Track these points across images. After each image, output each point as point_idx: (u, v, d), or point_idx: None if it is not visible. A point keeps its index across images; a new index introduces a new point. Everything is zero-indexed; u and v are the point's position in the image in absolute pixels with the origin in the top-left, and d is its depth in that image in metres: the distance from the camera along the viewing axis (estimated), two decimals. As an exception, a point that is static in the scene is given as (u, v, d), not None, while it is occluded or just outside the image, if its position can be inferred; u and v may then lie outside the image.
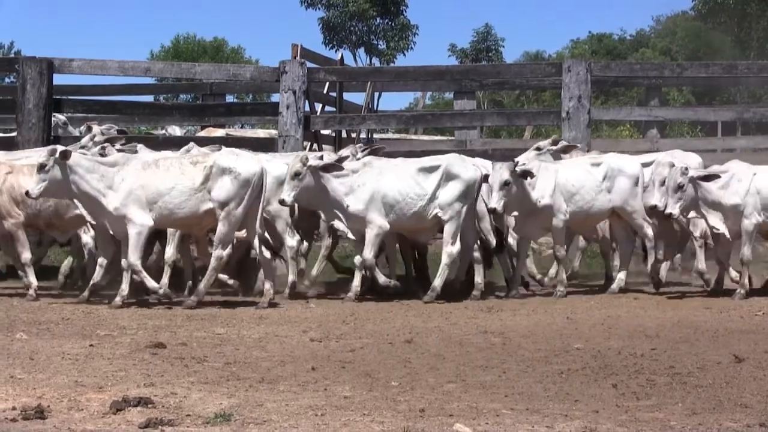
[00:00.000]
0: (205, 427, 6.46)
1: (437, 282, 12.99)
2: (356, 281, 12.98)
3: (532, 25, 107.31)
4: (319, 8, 47.57)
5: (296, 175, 12.57)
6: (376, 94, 23.72)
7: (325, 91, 20.14)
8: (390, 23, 48.24)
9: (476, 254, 13.27)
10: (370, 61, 47.78)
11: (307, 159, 12.69)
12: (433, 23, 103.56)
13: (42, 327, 10.66)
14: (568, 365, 8.71)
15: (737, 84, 31.48)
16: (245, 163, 12.50)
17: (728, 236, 13.01)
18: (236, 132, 22.67)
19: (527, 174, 13.08)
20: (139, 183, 12.23)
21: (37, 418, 6.63)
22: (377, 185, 12.87)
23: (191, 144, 14.41)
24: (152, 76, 23.40)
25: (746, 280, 13.06)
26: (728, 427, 6.62)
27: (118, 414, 6.75)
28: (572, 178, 13.60)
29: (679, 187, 12.71)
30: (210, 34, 59.30)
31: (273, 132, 20.70)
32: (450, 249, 12.97)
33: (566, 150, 14.67)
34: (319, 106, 19.54)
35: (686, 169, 12.83)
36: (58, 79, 17.43)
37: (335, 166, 12.79)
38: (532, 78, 21.57)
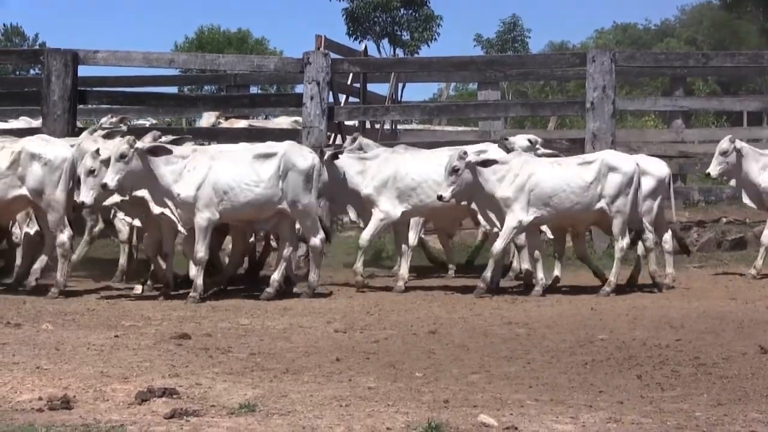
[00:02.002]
0: (229, 418, 6.47)
1: (311, 276, 12.46)
2: (198, 279, 12.09)
3: (557, 15, 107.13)
4: (342, -1, 47.59)
5: (122, 157, 11.74)
6: (400, 85, 23.70)
7: (348, 82, 20.13)
8: (414, 14, 48.18)
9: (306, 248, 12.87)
10: (394, 52, 47.74)
11: (134, 141, 11.93)
12: (458, 14, 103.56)
13: (67, 318, 10.71)
14: (592, 356, 8.69)
15: (763, 74, 31.40)
16: (54, 149, 12.37)
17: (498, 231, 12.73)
18: (258, 122, 22.64)
19: (336, 155, 13.22)
20: None
21: (63, 409, 6.65)
22: (209, 171, 12.08)
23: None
24: (176, 67, 23.36)
25: (540, 273, 12.65)
26: (753, 418, 6.60)
27: (143, 404, 6.77)
28: (413, 170, 13.34)
29: (454, 171, 12.37)
30: (234, 25, 59.40)
31: (290, 119, 20.61)
32: (314, 242, 12.44)
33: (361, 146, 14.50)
34: (343, 97, 19.53)
35: (464, 153, 12.54)
36: (83, 71, 17.46)
37: (164, 149, 12.02)
38: (557, 68, 21.53)
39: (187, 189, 11.98)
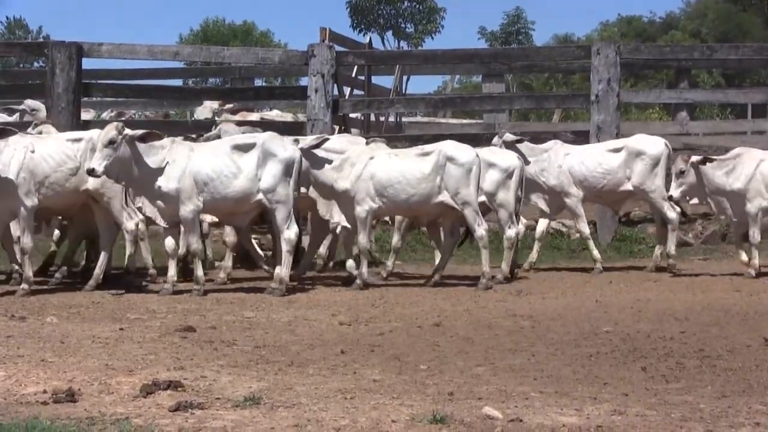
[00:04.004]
0: (234, 410, 6.47)
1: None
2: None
3: (561, 7, 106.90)
4: (347, -8, 47.62)
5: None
6: (405, 78, 23.72)
7: (353, 75, 20.14)
8: (418, 6, 48.23)
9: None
10: (398, 45, 47.79)
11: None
12: (461, 6, 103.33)
13: (72, 311, 10.73)
14: (597, 348, 8.70)
15: (767, 66, 31.27)
16: None
17: (346, 225, 12.52)
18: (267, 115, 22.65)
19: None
20: None
21: (68, 402, 6.66)
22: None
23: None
24: (181, 60, 23.38)
25: (364, 268, 12.46)
26: (758, 410, 6.59)
27: (149, 397, 6.78)
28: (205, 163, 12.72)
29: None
30: (239, 17, 59.25)
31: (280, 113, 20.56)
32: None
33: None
34: (347, 90, 19.54)
35: (296, 140, 12.38)
36: (87, 64, 17.48)
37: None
38: (561, 61, 21.52)
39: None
